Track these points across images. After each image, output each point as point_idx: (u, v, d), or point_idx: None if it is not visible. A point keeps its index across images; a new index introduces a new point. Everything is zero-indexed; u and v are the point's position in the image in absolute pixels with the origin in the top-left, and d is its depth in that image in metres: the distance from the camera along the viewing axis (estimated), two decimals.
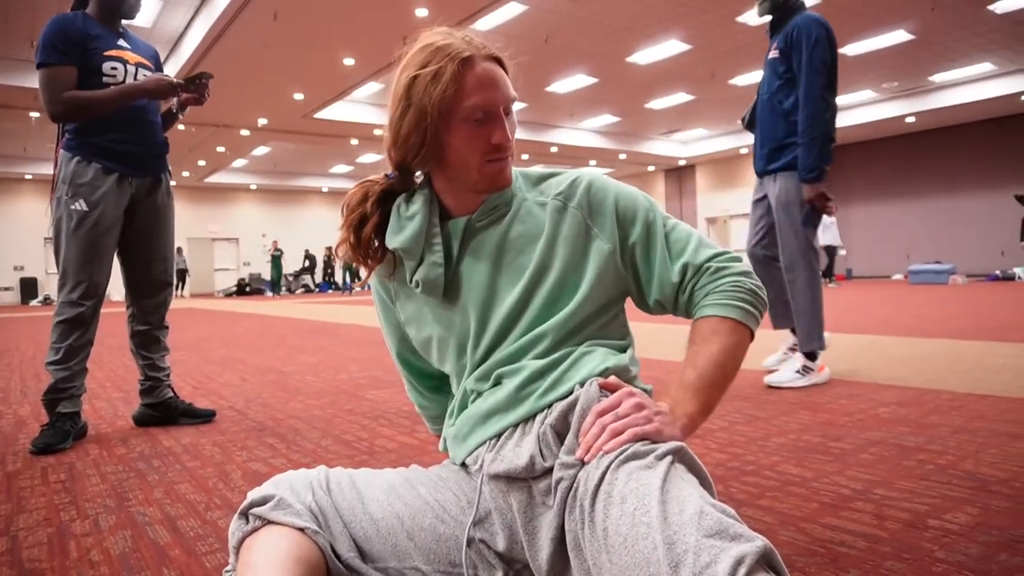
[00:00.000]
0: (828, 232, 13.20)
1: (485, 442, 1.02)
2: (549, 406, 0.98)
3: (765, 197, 3.18)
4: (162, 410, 2.58)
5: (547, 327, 1.03)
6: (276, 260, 21.19)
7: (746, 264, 1.06)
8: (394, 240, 1.07)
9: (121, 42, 2.43)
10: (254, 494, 0.97)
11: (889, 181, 18.22)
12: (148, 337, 2.60)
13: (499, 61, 1.04)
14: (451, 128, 1.00)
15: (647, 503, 0.78)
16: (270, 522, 0.94)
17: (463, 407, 1.09)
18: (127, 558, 1.30)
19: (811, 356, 2.97)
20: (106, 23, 2.41)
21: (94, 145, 2.34)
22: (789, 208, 2.99)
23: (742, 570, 0.67)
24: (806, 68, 2.89)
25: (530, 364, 1.01)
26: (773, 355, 3.39)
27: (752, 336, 1.03)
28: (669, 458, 0.86)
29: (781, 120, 3.05)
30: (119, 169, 2.38)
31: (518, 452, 0.97)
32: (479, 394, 1.05)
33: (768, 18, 3.21)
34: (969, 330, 4.80)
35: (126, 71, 2.39)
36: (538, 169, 1.15)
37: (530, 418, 0.98)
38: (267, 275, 24.26)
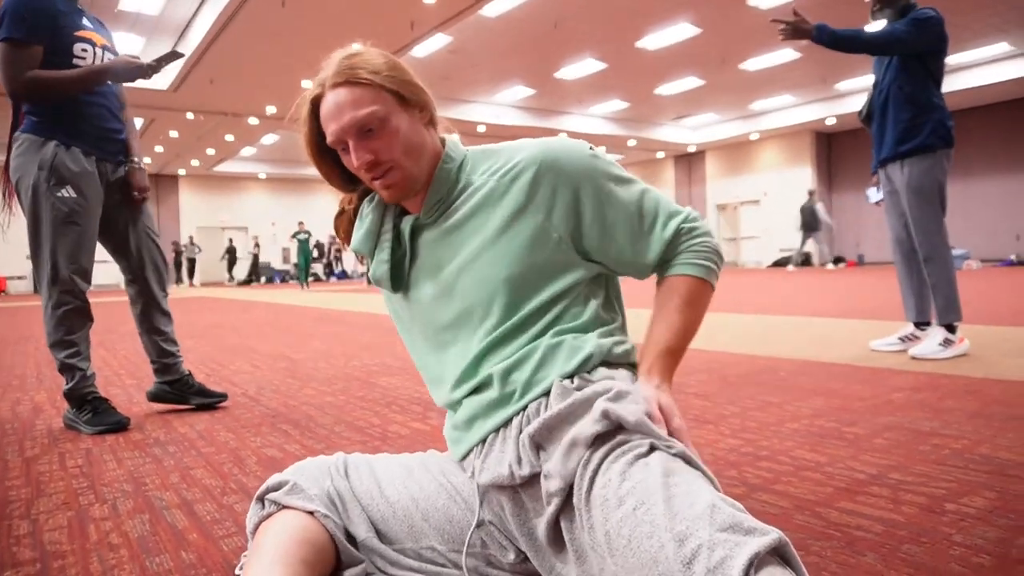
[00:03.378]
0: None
1: (472, 449, 1.02)
2: (524, 408, 0.97)
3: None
4: (178, 387, 2.59)
5: (497, 323, 1.02)
6: (304, 244, 17.10)
7: (705, 223, 1.09)
8: (352, 241, 1.14)
9: (85, 21, 2.30)
10: (272, 480, 0.99)
11: None
12: (155, 309, 2.53)
13: (352, 79, 0.98)
14: (341, 158, 1.04)
15: (649, 500, 0.76)
16: (285, 507, 0.96)
17: (451, 414, 1.09)
18: (145, 541, 1.31)
19: (951, 328, 3.10)
20: None
21: (71, 128, 2.24)
22: (921, 192, 3.14)
23: (761, 567, 0.66)
24: (904, 22, 3.09)
25: (496, 370, 1.00)
26: (880, 339, 3.46)
27: (712, 289, 1.07)
28: (661, 452, 0.84)
29: (906, 104, 3.17)
30: (95, 152, 2.31)
31: (500, 460, 0.97)
32: (459, 402, 1.05)
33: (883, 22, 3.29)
34: (984, 315, 4.76)
35: (94, 54, 2.27)
36: (491, 146, 1.11)
37: (509, 421, 0.99)
38: (278, 263, 24.34)
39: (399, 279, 1.10)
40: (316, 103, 1.01)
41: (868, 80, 15.17)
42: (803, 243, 15.77)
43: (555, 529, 0.91)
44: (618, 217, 1.04)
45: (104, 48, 2.33)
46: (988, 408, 2.11)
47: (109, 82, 2.31)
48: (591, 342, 1.00)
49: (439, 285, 1.06)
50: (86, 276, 2.33)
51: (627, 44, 12.16)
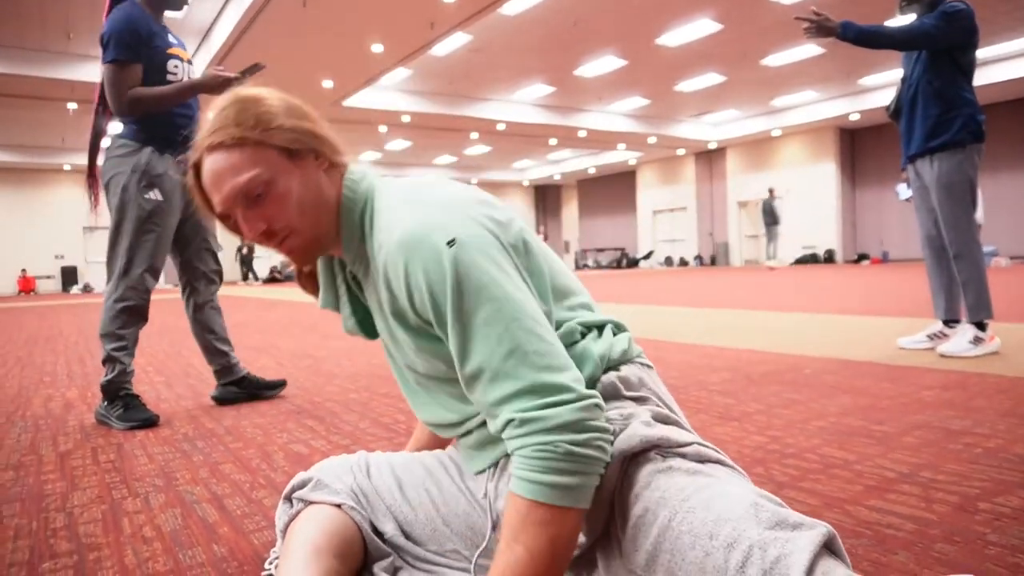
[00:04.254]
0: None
1: (485, 470, 1.00)
2: None
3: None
4: (245, 386, 2.69)
5: (445, 401, 0.96)
6: None
7: (564, 410, 0.76)
8: (321, 300, 1.06)
9: (171, 38, 2.47)
10: (296, 479, 1.00)
11: None
12: (210, 308, 2.66)
13: (224, 143, 0.86)
14: None
15: (683, 508, 0.73)
16: (311, 503, 0.97)
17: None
18: (178, 535, 1.34)
19: (981, 326, 3.06)
20: (155, 17, 2.43)
21: (164, 136, 2.39)
22: (951, 188, 3.09)
23: (819, 562, 0.64)
24: (933, 16, 3.05)
25: (472, 420, 0.95)
26: (908, 337, 3.41)
27: (579, 511, 0.78)
28: (676, 457, 0.81)
29: (935, 99, 3.14)
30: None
31: None
32: (465, 434, 1.00)
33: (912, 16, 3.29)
34: (1015, 313, 4.68)
35: (183, 69, 2.45)
36: (384, 198, 0.91)
37: None
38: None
39: (371, 329, 1.03)
40: (198, 168, 0.89)
41: (893, 75, 14.94)
42: (769, 239, 16.63)
43: (577, 561, 0.88)
44: (457, 360, 0.82)
45: (188, 62, 2.50)
46: (1021, 407, 2.07)
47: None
48: (584, 363, 0.91)
49: (392, 345, 0.99)
50: (156, 276, 2.45)
51: (647, 41, 12.09)
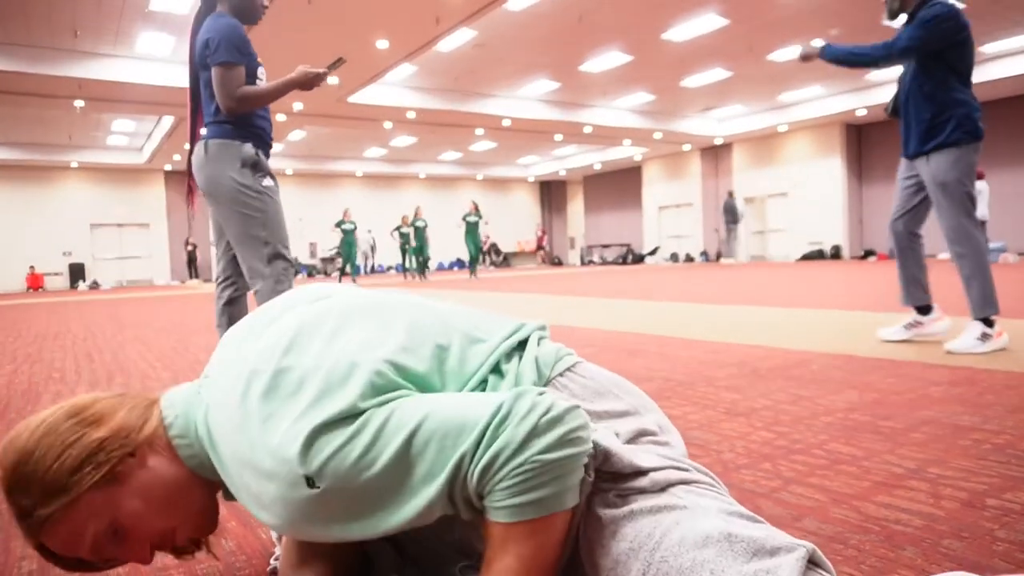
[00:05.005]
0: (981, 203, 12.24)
1: None
2: None
3: (915, 176, 3.32)
4: None
5: None
6: (349, 235, 15.71)
7: (515, 425, 0.71)
8: None
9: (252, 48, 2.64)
10: None
11: None
12: (243, 300, 2.76)
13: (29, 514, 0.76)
14: None
15: (654, 558, 0.70)
16: None
17: None
18: None
19: (988, 322, 3.05)
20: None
21: (258, 134, 2.58)
22: (946, 186, 3.10)
23: None
24: (911, 26, 3.16)
25: None
26: (888, 328, 3.49)
27: (572, 505, 0.74)
28: (637, 495, 0.77)
29: (926, 102, 3.17)
30: (267, 156, 2.65)
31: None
32: None
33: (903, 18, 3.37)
34: (1022, 309, 4.65)
35: (265, 77, 2.68)
36: (209, 435, 0.82)
37: None
38: (304, 258, 24.61)
39: None
40: (46, 548, 0.79)
41: (900, 70, 14.82)
42: (729, 237, 17.50)
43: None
44: None
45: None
46: None
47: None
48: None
49: None
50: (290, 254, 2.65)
51: (653, 36, 12.05)
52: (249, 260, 2.55)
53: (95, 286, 21.01)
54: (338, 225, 15.93)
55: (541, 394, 0.74)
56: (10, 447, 0.77)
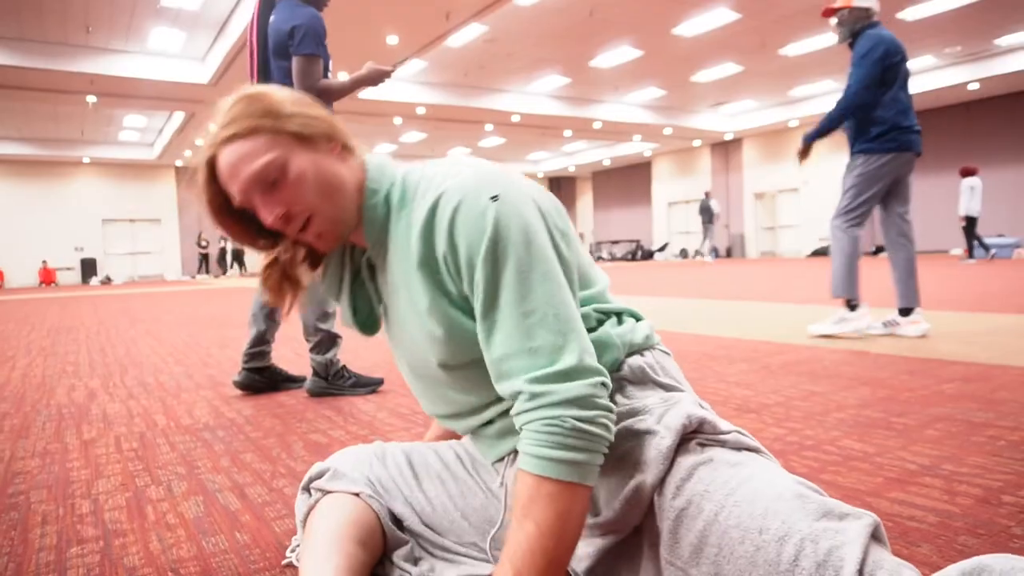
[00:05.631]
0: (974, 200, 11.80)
1: (503, 458, 0.99)
2: None
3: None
4: (268, 375, 2.73)
5: (466, 391, 0.93)
6: None
7: (573, 384, 0.76)
8: (325, 287, 1.03)
9: None
10: (313, 469, 1.01)
11: (948, 151, 17.48)
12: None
13: (237, 134, 0.87)
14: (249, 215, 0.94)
15: (728, 502, 0.73)
16: (330, 492, 0.98)
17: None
18: (201, 522, 1.35)
19: (850, 306, 3.58)
20: None
21: None
22: (844, 184, 3.65)
23: (870, 551, 0.64)
24: (853, 65, 3.62)
25: (499, 406, 0.93)
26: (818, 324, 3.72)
27: (587, 488, 0.77)
28: (715, 448, 0.81)
29: (852, 113, 3.59)
30: None
31: None
32: (483, 424, 0.98)
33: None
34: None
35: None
36: (425, 171, 0.92)
37: None
38: None
39: (370, 323, 1.02)
40: (212, 165, 0.89)
41: (914, 64, 14.70)
42: (705, 236, 18.08)
43: (602, 556, 0.87)
44: (479, 313, 0.83)
45: None
46: None
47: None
48: (606, 349, 0.91)
49: (404, 336, 0.96)
50: None
51: (664, 31, 11.98)
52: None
53: (107, 281, 21.16)
54: None
55: (604, 385, 0.79)
56: (258, 86, 0.92)
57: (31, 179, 21.00)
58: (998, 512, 1.23)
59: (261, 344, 2.68)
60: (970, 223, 11.47)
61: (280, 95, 0.90)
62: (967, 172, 11.43)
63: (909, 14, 11.27)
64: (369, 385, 2.63)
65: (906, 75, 3.59)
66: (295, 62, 2.42)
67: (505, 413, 0.94)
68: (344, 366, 2.64)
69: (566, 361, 0.77)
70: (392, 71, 2.62)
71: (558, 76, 15.09)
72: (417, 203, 0.88)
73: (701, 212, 18.21)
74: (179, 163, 22.06)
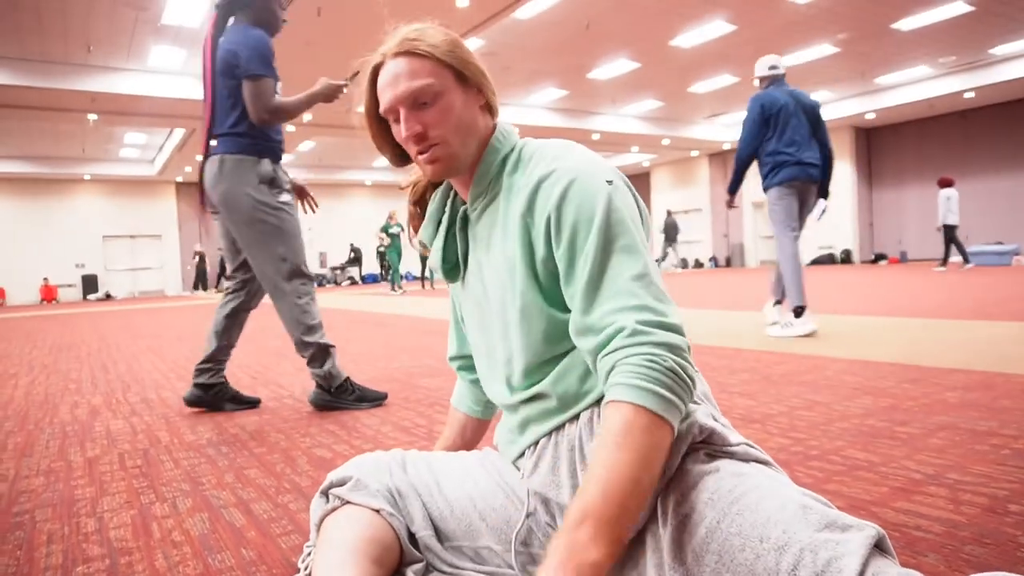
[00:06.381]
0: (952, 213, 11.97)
1: (524, 452, 1.01)
2: (577, 416, 0.94)
3: None
4: (212, 393, 2.69)
5: (526, 344, 0.96)
6: (396, 239, 14.26)
7: (674, 335, 0.80)
8: (421, 232, 1.11)
9: None
10: (335, 475, 1.01)
11: (945, 159, 17.55)
12: (242, 317, 2.75)
13: (412, 51, 0.96)
14: (391, 128, 1.02)
15: (732, 510, 0.74)
16: (349, 502, 0.98)
17: (506, 415, 1.07)
18: (207, 539, 1.35)
19: (795, 311, 4.12)
20: None
21: (273, 148, 2.59)
22: (767, 212, 4.44)
23: (870, 563, 0.64)
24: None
25: (547, 382, 0.95)
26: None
27: (673, 431, 0.77)
28: (722, 459, 0.83)
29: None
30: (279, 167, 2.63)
31: (553, 466, 0.94)
32: (515, 406, 1.01)
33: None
34: None
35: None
36: (545, 145, 1.00)
37: (562, 426, 0.95)
38: (315, 267, 24.68)
39: (455, 270, 1.07)
40: (376, 71, 0.99)
41: (909, 74, 14.81)
42: (664, 252, 19.33)
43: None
44: (578, 265, 0.87)
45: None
46: None
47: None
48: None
49: (480, 289, 1.03)
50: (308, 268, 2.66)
51: (661, 43, 12.06)
52: (270, 277, 2.55)
53: (108, 297, 21.15)
54: (384, 230, 14.49)
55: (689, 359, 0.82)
56: (440, 26, 1.02)
57: (32, 197, 21.04)
58: (1004, 521, 1.23)
59: (211, 362, 2.68)
60: (949, 232, 11.66)
61: (451, 37, 0.99)
62: (944, 183, 11.71)
63: (904, 24, 11.35)
64: (374, 400, 2.63)
65: (787, 118, 4.28)
66: (245, 85, 2.46)
67: (531, 400, 0.98)
68: (348, 379, 2.64)
69: (671, 318, 0.81)
70: (345, 85, 2.62)
71: (556, 88, 15.16)
72: (530, 169, 0.95)
73: (666, 230, 19.29)
74: (179, 179, 22.12)
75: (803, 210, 4.32)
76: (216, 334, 2.68)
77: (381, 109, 0.98)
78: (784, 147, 4.25)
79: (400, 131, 0.97)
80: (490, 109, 1.03)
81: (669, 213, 19.78)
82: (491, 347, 1.04)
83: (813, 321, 4.11)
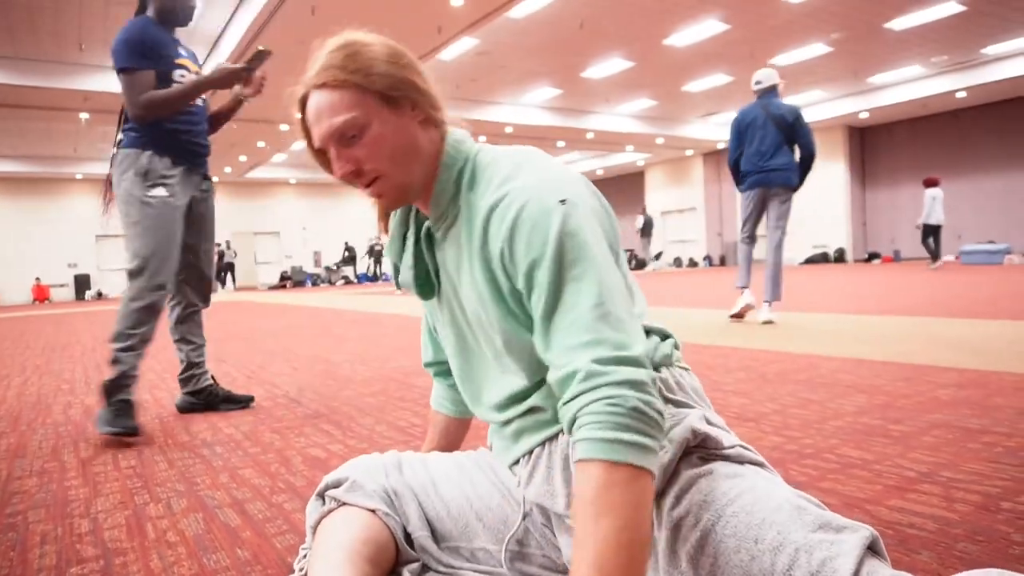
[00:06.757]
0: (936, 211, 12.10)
1: (519, 460, 0.99)
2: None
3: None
4: (204, 397, 2.68)
5: (517, 370, 0.93)
6: None
7: (633, 369, 0.74)
8: (386, 249, 1.07)
9: (181, 51, 2.53)
10: (330, 477, 1.01)
11: (938, 159, 17.64)
12: (194, 318, 2.69)
13: (328, 83, 0.90)
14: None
15: (726, 512, 0.74)
16: (345, 504, 0.98)
17: (498, 427, 1.04)
18: (201, 539, 1.35)
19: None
20: (166, 31, 2.50)
21: (164, 140, 2.44)
22: None
23: (864, 564, 0.65)
24: None
25: (533, 399, 0.94)
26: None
27: (653, 475, 0.72)
28: (716, 461, 0.82)
29: None
30: (184, 163, 2.49)
31: (547, 476, 0.93)
32: (505, 423, 0.99)
33: None
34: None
35: (189, 79, 2.50)
36: (495, 157, 0.93)
37: (556, 435, 0.94)
38: (309, 267, 24.61)
39: (428, 288, 1.03)
40: (304, 102, 0.93)
41: (901, 73, 14.88)
42: (645, 247, 20.20)
43: None
44: (538, 307, 0.82)
45: (196, 74, 2.54)
46: None
47: (204, 96, 2.52)
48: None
49: (457, 314, 0.99)
50: (171, 275, 2.47)
51: (654, 42, 12.08)
52: (128, 272, 2.43)
53: (100, 296, 21.05)
54: None
55: (655, 384, 0.77)
56: (355, 34, 0.94)
57: (24, 197, 20.93)
58: (996, 519, 1.23)
59: (190, 369, 2.67)
60: (935, 231, 11.78)
61: (379, 50, 0.92)
62: (930, 183, 11.82)
63: (896, 24, 11.39)
64: (120, 429, 2.24)
65: (755, 131, 4.86)
66: (119, 80, 2.36)
67: (525, 414, 0.95)
68: (126, 400, 2.31)
69: (630, 350, 0.75)
70: (245, 69, 2.44)
71: (550, 88, 15.17)
72: (483, 190, 0.90)
73: (645, 226, 19.92)
74: None
75: (768, 209, 4.97)
76: (178, 344, 2.66)
77: (315, 145, 0.93)
78: (751, 156, 4.90)
79: (335, 170, 0.92)
80: (434, 122, 0.94)
81: (643, 210, 20.74)
82: (475, 374, 1.01)
83: (749, 299, 5.00)
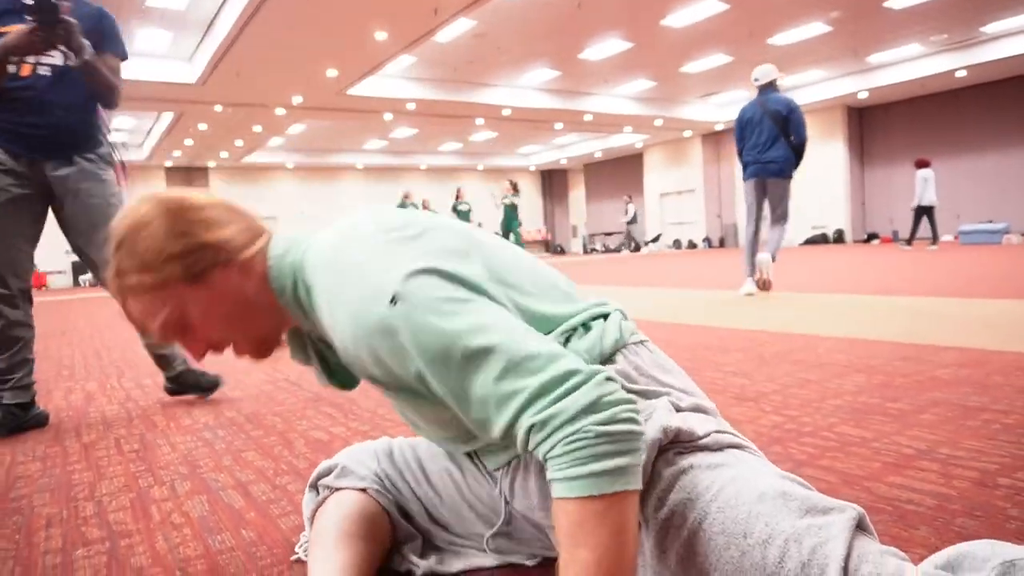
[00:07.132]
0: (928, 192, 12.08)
1: (500, 467, 0.96)
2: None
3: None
4: (175, 382, 2.61)
5: (473, 429, 0.84)
6: (464, 217, 14.18)
7: (576, 394, 0.69)
8: (291, 356, 1.01)
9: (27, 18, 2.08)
10: (321, 466, 1.02)
11: (936, 139, 17.57)
12: None
13: (124, 294, 0.86)
14: None
15: (711, 509, 0.72)
16: (337, 490, 0.99)
17: None
18: (206, 520, 1.36)
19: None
20: None
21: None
22: None
23: (854, 544, 0.65)
24: None
25: (478, 442, 0.92)
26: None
27: (635, 490, 0.69)
28: (694, 453, 0.79)
29: None
30: (26, 154, 2.25)
31: (524, 488, 0.91)
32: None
33: None
34: None
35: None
36: (313, 262, 0.83)
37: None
38: None
39: (346, 381, 0.99)
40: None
41: (901, 52, 14.78)
42: (628, 233, 20.86)
43: None
44: (455, 408, 0.77)
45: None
46: None
47: (46, 63, 2.23)
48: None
49: (390, 396, 0.93)
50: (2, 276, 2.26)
51: (653, 22, 11.97)
52: None
53: (96, 282, 21.05)
54: (453, 209, 14.59)
55: (609, 379, 0.72)
56: (132, 213, 0.85)
57: None
58: (994, 494, 1.25)
59: (162, 359, 2.57)
60: (929, 212, 11.79)
61: (157, 230, 0.83)
62: (921, 164, 11.90)
63: (895, 3, 11.30)
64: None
65: (752, 127, 5.48)
66: None
67: (483, 447, 0.93)
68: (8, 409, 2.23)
69: (560, 382, 0.69)
70: (32, 20, 2.04)
71: (548, 69, 15.06)
72: (322, 314, 0.82)
73: (632, 218, 20.61)
74: (168, 164, 21.93)
75: (768, 196, 5.50)
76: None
77: None
78: (749, 150, 5.52)
79: (193, 359, 0.91)
80: (249, 262, 0.86)
81: (629, 198, 21.34)
82: (426, 427, 0.96)
83: (751, 287, 5.39)
